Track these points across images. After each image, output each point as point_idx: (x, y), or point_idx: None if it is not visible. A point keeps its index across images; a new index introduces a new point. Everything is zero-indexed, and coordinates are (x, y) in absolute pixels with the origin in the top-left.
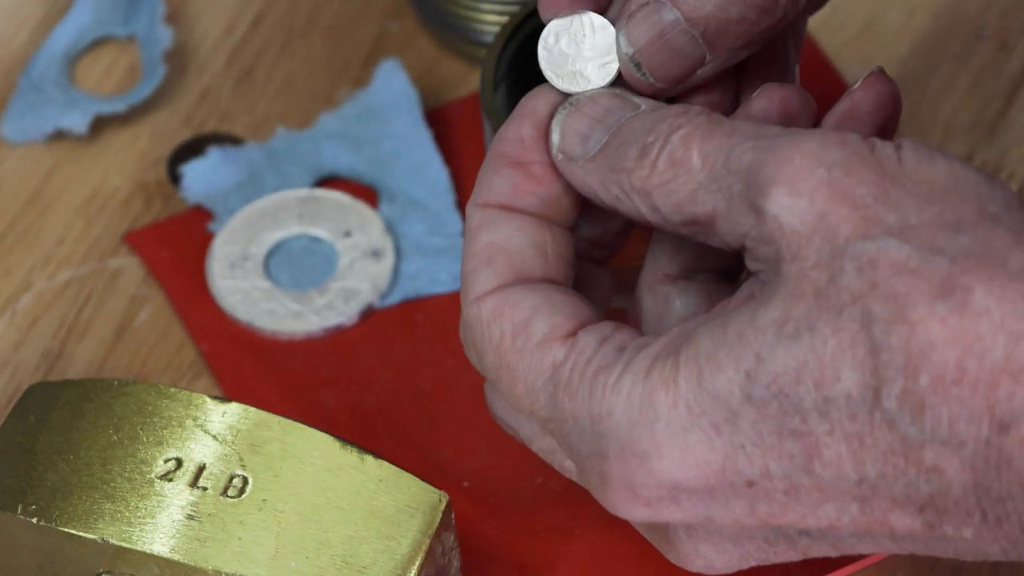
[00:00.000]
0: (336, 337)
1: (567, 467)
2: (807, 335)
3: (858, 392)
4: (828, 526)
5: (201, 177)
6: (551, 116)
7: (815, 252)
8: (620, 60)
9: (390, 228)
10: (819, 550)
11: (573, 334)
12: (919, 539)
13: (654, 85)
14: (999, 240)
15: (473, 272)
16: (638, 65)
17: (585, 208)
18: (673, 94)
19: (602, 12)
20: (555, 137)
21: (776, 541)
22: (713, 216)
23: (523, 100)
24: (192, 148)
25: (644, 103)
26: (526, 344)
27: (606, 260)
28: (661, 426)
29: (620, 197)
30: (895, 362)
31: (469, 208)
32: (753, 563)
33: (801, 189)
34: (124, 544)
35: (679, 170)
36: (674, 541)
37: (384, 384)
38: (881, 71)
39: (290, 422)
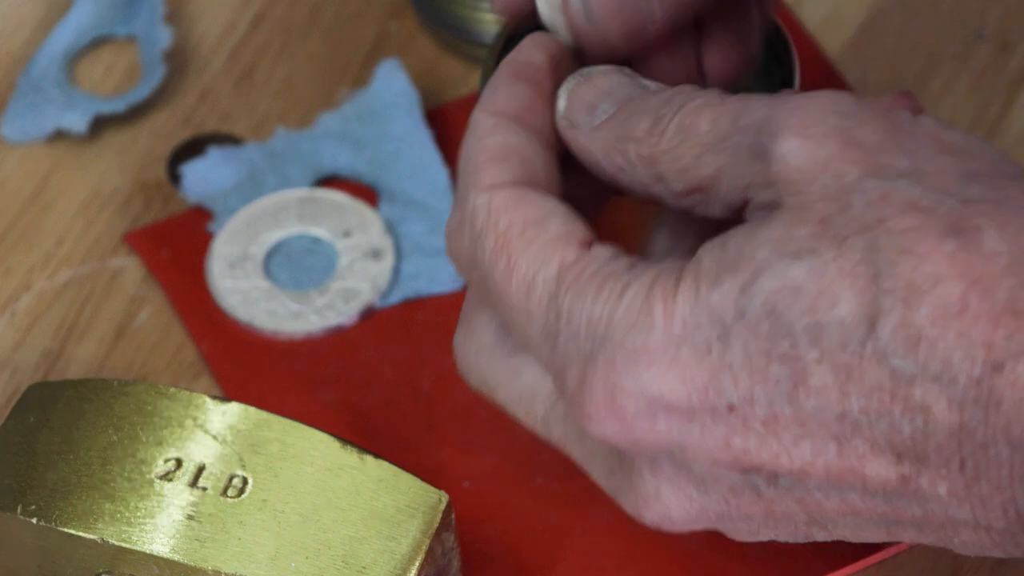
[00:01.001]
0: (336, 337)
1: (535, 412)
2: (808, 256)
3: (853, 320)
4: (800, 470)
5: (201, 177)
6: (560, 58)
7: (822, 187)
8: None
9: (390, 228)
10: (783, 506)
11: (587, 244)
12: (890, 496)
13: (599, 31)
14: (1013, 191)
15: (485, 164)
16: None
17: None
18: (628, 50)
19: None
20: (561, 103)
21: (742, 491)
22: (718, 176)
23: (531, 36)
24: (192, 148)
25: (653, 84)
26: (537, 236)
27: None
28: (655, 335)
29: (623, 167)
30: (896, 291)
31: (477, 114)
32: (711, 521)
33: (812, 133)
34: (124, 544)
35: (687, 135)
36: (635, 481)
37: (384, 384)
38: (909, 93)
39: (290, 422)
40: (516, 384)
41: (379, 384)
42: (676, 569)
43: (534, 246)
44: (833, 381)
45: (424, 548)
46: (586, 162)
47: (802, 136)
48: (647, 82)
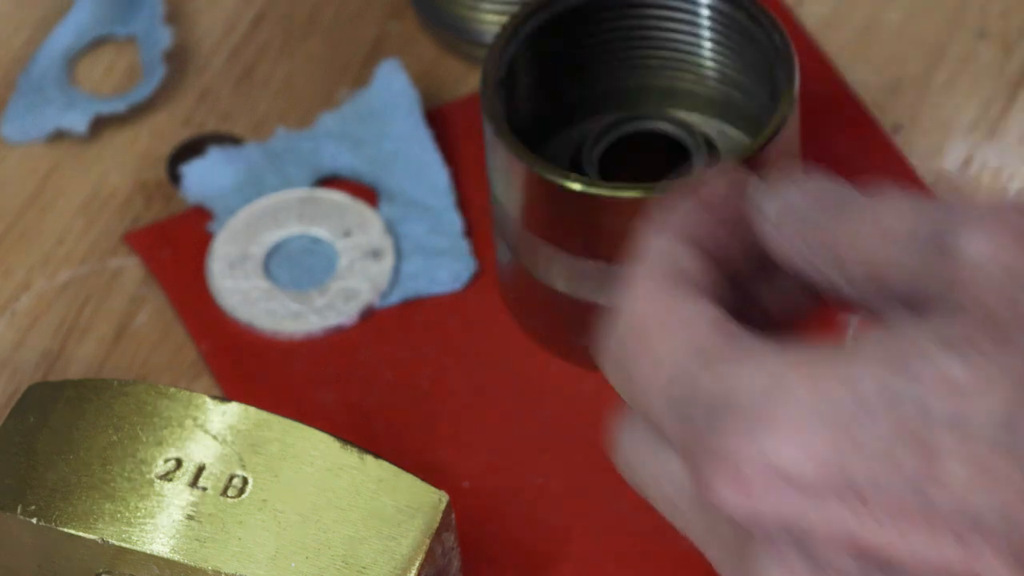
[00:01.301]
0: (336, 337)
1: (665, 493)
2: (969, 351)
3: (1000, 418)
4: (917, 562)
5: (201, 177)
6: (750, 183)
7: (998, 286)
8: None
9: (390, 228)
10: None
11: (723, 325)
12: None
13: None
14: None
15: (636, 265)
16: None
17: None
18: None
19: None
20: (771, 208)
21: None
22: (896, 267)
23: (714, 169)
24: (192, 148)
25: (856, 194)
26: (672, 320)
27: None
28: (789, 406)
29: (812, 262)
30: None
31: (647, 233)
32: None
33: (997, 235)
34: (124, 544)
35: (872, 223)
36: (750, 563)
37: (384, 384)
38: None
39: (290, 422)
40: (650, 466)
41: (379, 384)
42: (676, 570)
43: (667, 329)
44: (966, 477)
45: (424, 548)
46: (779, 257)
47: (987, 236)
48: (852, 192)
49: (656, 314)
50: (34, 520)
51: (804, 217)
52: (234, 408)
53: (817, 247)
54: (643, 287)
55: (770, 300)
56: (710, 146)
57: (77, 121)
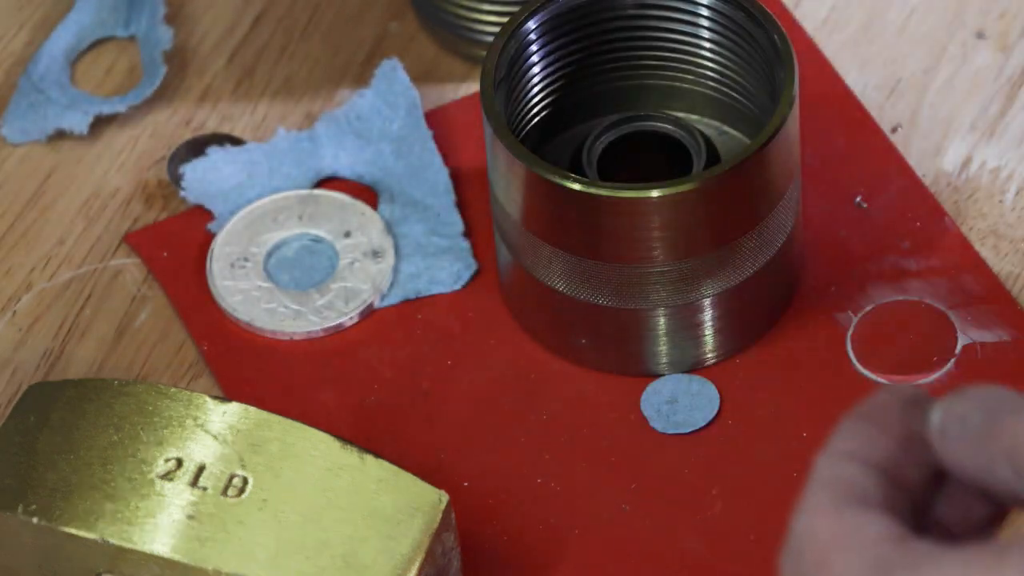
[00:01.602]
0: (336, 337)
1: None
2: None
3: None
4: None
5: (201, 177)
6: (912, 399)
7: None
8: None
9: (390, 228)
10: None
11: (903, 539)
12: None
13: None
14: None
15: (809, 491)
16: None
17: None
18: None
19: None
20: (936, 417)
21: None
22: None
23: (886, 387)
24: (192, 148)
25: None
26: (849, 533)
27: None
28: None
29: (986, 466)
30: None
31: (820, 456)
32: None
33: None
34: (124, 544)
35: None
36: None
37: (384, 384)
38: None
39: (290, 422)
40: None
41: (379, 384)
42: (676, 569)
43: (843, 544)
44: None
45: (424, 548)
46: (954, 468)
47: None
48: (1009, 391)
49: (830, 531)
50: (35, 520)
51: (974, 423)
52: (234, 408)
53: (991, 450)
54: (817, 506)
55: (946, 512)
56: (710, 146)
57: (78, 121)
